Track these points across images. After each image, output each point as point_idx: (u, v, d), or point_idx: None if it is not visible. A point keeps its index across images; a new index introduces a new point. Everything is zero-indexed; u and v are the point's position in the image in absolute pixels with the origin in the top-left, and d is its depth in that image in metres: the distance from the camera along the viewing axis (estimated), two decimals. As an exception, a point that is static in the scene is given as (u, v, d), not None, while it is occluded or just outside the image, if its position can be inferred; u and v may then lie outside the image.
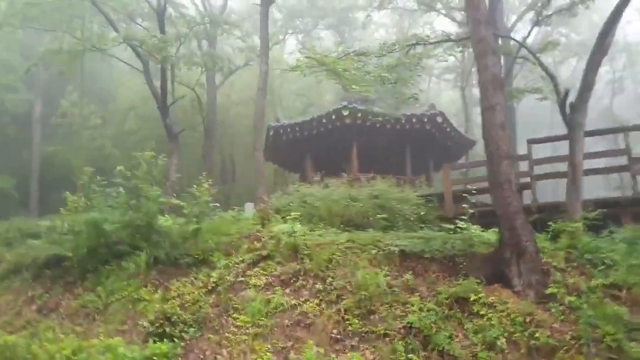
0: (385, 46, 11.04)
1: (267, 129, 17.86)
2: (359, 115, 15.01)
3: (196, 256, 8.45)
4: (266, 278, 7.56)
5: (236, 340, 6.58)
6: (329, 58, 10.78)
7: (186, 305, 7.44)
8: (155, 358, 6.02)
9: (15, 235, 11.80)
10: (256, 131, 13.87)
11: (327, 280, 7.18)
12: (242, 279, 7.69)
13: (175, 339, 6.64)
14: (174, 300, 7.61)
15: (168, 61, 15.05)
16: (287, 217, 8.83)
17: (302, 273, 7.46)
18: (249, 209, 12.38)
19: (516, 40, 13.08)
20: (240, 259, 8.16)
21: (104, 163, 23.05)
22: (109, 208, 9.26)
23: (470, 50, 14.34)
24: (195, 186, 9.56)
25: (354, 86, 10.46)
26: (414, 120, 15.38)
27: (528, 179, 9.99)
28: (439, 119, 15.59)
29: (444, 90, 36.76)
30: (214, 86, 23.80)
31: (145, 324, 7.14)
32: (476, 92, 14.87)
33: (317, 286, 7.14)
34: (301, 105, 28.73)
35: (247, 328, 6.74)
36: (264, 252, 8.10)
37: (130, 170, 9.17)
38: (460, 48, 15.60)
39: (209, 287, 7.73)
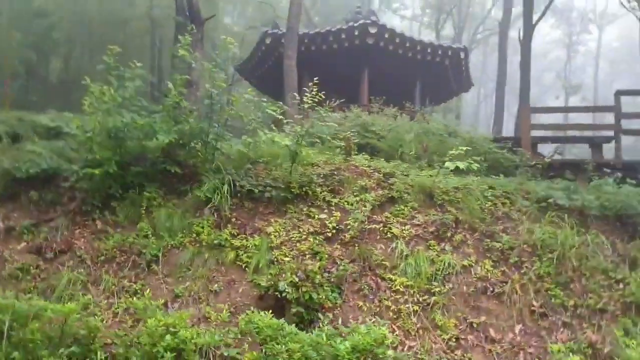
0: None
1: (261, 36, 14.81)
2: (386, 35, 12.97)
3: (292, 190, 6.22)
4: (408, 228, 5.80)
5: (402, 312, 4.89)
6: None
7: (301, 256, 5.43)
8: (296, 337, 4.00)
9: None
10: (289, 33, 11.03)
11: (492, 236, 5.71)
12: (375, 226, 5.82)
13: (308, 307, 4.70)
14: (282, 250, 5.52)
15: None
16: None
17: (452, 224, 5.85)
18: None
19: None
20: (357, 198, 6.20)
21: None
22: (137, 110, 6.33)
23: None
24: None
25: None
26: (439, 51, 13.86)
27: (612, 133, 9.40)
28: (462, 54, 14.31)
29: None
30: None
31: (253, 282, 5.05)
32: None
33: (484, 243, 5.63)
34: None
35: (413, 294, 5.07)
36: (393, 193, 6.24)
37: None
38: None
39: (328, 234, 5.73)
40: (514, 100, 23.64)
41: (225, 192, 5.98)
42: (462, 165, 5.73)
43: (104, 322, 4.56)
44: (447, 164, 5.93)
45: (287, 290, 4.64)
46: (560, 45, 41.10)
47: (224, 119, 6.51)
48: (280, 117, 6.97)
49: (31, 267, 5.36)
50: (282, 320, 4.15)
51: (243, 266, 5.40)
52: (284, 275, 4.81)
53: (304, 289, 4.68)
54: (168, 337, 3.88)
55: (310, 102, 6.64)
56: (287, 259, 5.37)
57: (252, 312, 4.28)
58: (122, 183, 6.14)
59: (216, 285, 5.18)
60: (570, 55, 39.86)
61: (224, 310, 4.79)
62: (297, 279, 4.71)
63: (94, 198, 6.05)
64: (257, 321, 4.05)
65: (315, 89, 6.61)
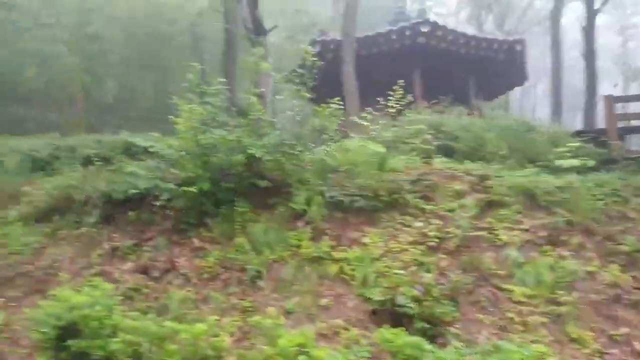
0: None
1: (310, 43, 14.74)
2: (439, 33, 12.65)
3: (381, 198, 6.05)
4: (517, 233, 5.51)
5: (529, 324, 4.60)
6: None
7: (407, 268, 5.22)
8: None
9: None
10: (345, 38, 10.93)
11: (613, 238, 5.33)
12: (480, 232, 5.56)
13: (429, 322, 4.47)
14: (384, 261, 5.34)
15: None
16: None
17: (565, 227, 5.51)
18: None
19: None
20: (454, 204, 5.95)
21: (60, 75, 18.49)
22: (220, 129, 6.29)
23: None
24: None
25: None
26: (494, 45, 13.41)
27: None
28: (519, 47, 13.79)
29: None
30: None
31: (362, 296, 4.88)
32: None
33: (605, 246, 5.27)
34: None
35: (537, 305, 4.77)
36: (492, 197, 5.96)
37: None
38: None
39: (430, 243, 5.51)
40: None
41: (319, 203, 5.86)
42: (576, 162, 5.40)
43: (225, 341, 4.49)
44: (559, 161, 5.60)
45: (408, 304, 4.45)
46: (609, 31, 39.20)
47: (309, 129, 6.42)
48: (366, 123, 6.82)
49: (142, 287, 5.40)
50: (417, 337, 3.95)
51: (348, 279, 5.24)
52: (400, 288, 4.62)
53: (426, 303, 4.48)
54: (302, 357, 3.76)
55: (396, 105, 6.46)
56: (393, 271, 5.19)
57: (385, 328, 4.09)
58: (213, 200, 6.14)
59: (325, 300, 5.04)
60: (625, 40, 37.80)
61: (340, 326, 4.65)
62: (417, 293, 4.52)
63: (189, 216, 6.06)
64: (392, 338, 3.88)
65: (400, 92, 6.43)
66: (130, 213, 6.31)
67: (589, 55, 16.15)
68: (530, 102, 36.74)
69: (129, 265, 5.84)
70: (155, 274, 5.58)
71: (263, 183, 6.12)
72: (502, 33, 23.97)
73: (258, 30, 8.91)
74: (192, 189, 5.71)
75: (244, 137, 5.94)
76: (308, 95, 6.56)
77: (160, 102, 22.38)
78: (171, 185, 6.00)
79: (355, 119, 8.28)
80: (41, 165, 8.83)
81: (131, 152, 9.22)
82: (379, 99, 7.65)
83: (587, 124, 15.21)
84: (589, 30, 16.15)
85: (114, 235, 6.30)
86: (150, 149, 6.25)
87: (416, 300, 4.49)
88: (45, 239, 6.54)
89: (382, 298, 4.71)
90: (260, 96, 7.74)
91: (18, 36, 17.34)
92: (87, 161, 8.97)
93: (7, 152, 9.25)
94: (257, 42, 8.55)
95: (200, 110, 5.95)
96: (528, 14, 31.57)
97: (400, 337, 3.84)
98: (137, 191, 6.10)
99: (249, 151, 5.77)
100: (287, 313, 4.95)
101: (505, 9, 27.48)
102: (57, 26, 18.35)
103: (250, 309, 5.01)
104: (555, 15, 20.53)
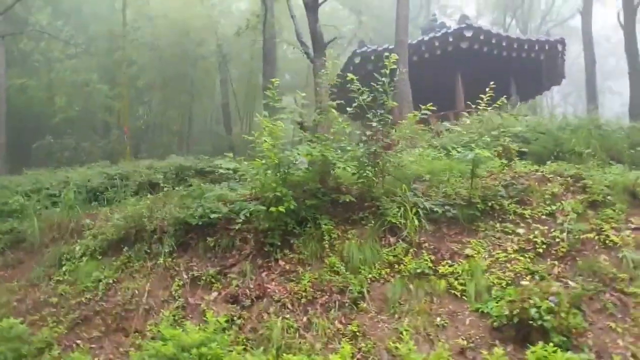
0: None
1: (350, 56, 14.59)
2: (482, 37, 12.42)
3: (476, 206, 5.70)
4: (628, 233, 5.12)
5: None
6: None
7: (520, 278, 4.86)
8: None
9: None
10: (398, 47, 10.75)
11: None
12: (588, 235, 5.18)
13: (562, 334, 4.09)
14: (493, 272, 4.98)
15: None
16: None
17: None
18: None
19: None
20: (553, 207, 5.59)
21: (88, 103, 18.56)
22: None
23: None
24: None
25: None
26: (536, 46, 13.15)
27: None
28: (560, 47, 13.51)
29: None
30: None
31: (479, 312, 4.53)
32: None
33: None
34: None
35: (671, 309, 4.37)
36: (594, 197, 5.59)
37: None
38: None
39: (538, 250, 5.15)
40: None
41: (413, 215, 5.54)
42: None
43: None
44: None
45: (544, 318, 4.08)
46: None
47: (392, 140, 6.15)
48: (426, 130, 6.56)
49: (235, 317, 5.09)
50: (570, 353, 3.58)
51: (458, 295, 4.90)
52: (530, 300, 4.26)
53: (561, 315, 4.11)
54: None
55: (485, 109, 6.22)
56: (503, 282, 4.85)
57: (540, 346, 3.72)
58: (296, 218, 5.86)
59: (439, 318, 4.69)
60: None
61: (465, 346, 4.29)
62: (551, 304, 4.15)
63: (273, 237, 5.76)
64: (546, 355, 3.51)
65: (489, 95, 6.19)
66: (209, 239, 6.03)
67: (631, 50, 15.72)
68: (547, 102, 36.27)
69: (214, 294, 5.54)
70: (247, 302, 5.27)
71: (346, 198, 5.82)
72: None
73: (318, 44, 8.70)
74: (281, 209, 5.42)
75: (326, 151, 5.67)
76: (395, 103, 6.30)
77: (188, 125, 22.48)
78: (260, 207, 5.72)
79: (415, 127, 8.04)
80: (95, 196, 8.64)
81: (184, 175, 9.05)
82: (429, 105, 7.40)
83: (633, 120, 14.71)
84: (628, 26, 15.77)
85: (192, 264, 6.03)
86: (228, 171, 6.00)
87: (550, 312, 4.12)
88: (117, 273, 6.29)
89: (506, 312, 4.35)
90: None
91: (48, 65, 17.50)
92: (141, 188, 8.81)
93: (57, 184, 9.08)
94: (317, 56, 8.36)
95: (282, 125, 5.71)
96: (551, 17, 31.40)
97: (558, 356, 3.47)
98: (217, 215, 5.84)
99: (338, 165, 5.49)
100: (400, 336, 4.61)
101: (527, 13, 27.32)
102: (86, 54, 18.53)
103: (358, 333, 4.68)
104: (585, 14, 20.22)
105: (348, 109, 6.13)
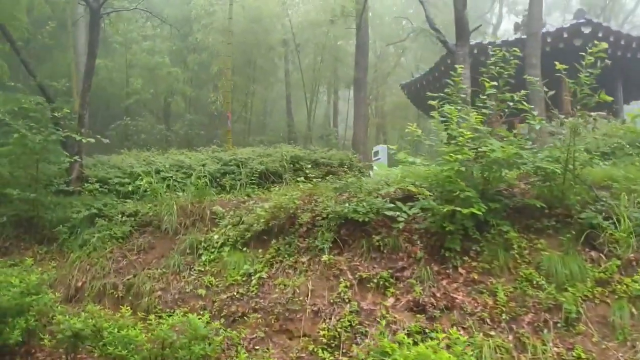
0: None
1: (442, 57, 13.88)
2: (600, 34, 11.53)
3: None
4: None
5: None
6: None
7: None
8: None
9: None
10: (531, 39, 10.02)
11: None
12: None
13: None
14: None
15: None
16: None
17: None
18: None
19: None
20: None
21: (159, 85, 18.38)
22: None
23: None
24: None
25: None
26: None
27: None
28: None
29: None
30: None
31: None
32: None
33: None
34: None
35: None
36: None
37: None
38: None
39: None
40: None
41: (629, 228, 4.90)
42: None
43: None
44: None
45: None
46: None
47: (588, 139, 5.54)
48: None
49: (425, 329, 4.57)
50: None
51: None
52: None
53: None
54: None
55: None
56: None
57: None
58: (476, 222, 5.30)
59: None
60: None
61: None
62: None
63: (452, 242, 5.22)
64: None
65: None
66: (375, 237, 5.54)
67: None
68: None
69: (390, 300, 5.04)
70: (435, 312, 4.75)
71: (538, 203, 5.22)
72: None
73: (462, 33, 8.07)
74: (473, 210, 4.87)
75: (520, 149, 5.09)
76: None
77: (257, 112, 22.14)
78: (438, 206, 5.19)
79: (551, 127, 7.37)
80: (211, 181, 8.28)
81: (300, 166, 8.63)
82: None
83: None
84: None
85: (354, 263, 5.54)
86: (408, 164, 5.48)
87: None
88: (267, 268, 5.86)
89: None
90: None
91: (124, 47, 17.38)
92: (262, 176, 8.43)
93: (169, 167, 8.77)
94: (460, 45, 7.75)
95: (477, 115, 5.15)
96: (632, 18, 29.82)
97: None
98: (391, 212, 5.34)
99: (547, 166, 4.92)
100: (641, 367, 4.02)
101: (610, 12, 25.97)
102: (159, 37, 18.35)
103: (585, 360, 4.11)
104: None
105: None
